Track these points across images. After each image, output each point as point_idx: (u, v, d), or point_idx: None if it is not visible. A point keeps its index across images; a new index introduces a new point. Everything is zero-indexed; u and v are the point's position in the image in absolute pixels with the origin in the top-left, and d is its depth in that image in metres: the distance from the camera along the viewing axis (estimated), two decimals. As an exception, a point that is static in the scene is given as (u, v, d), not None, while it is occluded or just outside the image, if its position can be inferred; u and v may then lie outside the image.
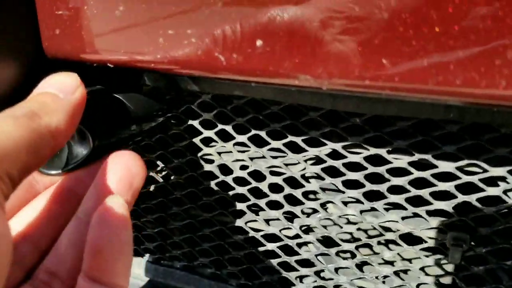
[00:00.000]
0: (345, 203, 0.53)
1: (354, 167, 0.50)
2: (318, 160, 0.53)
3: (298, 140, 0.51)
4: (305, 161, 0.53)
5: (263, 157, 0.55)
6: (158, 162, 0.62)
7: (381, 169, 0.49)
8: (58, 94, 0.35)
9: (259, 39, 0.36)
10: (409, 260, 0.54)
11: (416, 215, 0.50)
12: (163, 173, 0.64)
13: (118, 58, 0.44)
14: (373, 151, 0.48)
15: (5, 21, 0.45)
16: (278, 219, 0.57)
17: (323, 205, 0.54)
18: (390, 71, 0.33)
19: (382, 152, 0.48)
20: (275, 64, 0.36)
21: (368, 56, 0.33)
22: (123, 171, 0.40)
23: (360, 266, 0.56)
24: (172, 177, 0.63)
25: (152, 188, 0.64)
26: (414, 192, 0.48)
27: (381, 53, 0.33)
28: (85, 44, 0.44)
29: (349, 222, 0.55)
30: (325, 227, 0.55)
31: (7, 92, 0.46)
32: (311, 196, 0.57)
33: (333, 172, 0.51)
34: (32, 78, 0.48)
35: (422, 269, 0.53)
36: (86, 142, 0.47)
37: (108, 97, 0.49)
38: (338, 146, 0.50)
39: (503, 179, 0.46)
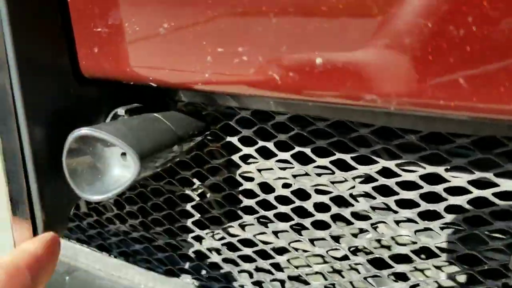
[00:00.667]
0: (398, 223, 0.50)
1: (408, 185, 0.47)
2: (368, 179, 0.50)
3: (347, 157, 0.48)
4: (354, 179, 0.50)
5: (307, 174, 0.53)
6: (194, 180, 0.60)
7: (438, 188, 0.46)
8: None
9: (319, 57, 0.34)
10: (467, 285, 0.51)
11: (474, 235, 0.47)
12: (199, 191, 0.61)
13: (161, 77, 0.42)
14: (429, 169, 0.45)
15: (40, 40, 0.43)
16: (324, 239, 0.54)
17: (373, 225, 0.51)
18: (468, 91, 0.30)
19: (440, 170, 0.45)
20: (336, 84, 0.34)
21: (443, 75, 0.30)
22: None
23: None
24: (208, 195, 0.61)
25: (188, 206, 0.62)
26: (473, 211, 0.45)
27: (458, 72, 0.30)
28: (125, 62, 0.42)
29: (401, 243, 0.52)
30: (376, 248, 0.53)
31: (43, 111, 0.44)
32: (360, 215, 0.54)
33: (385, 191, 0.48)
34: (68, 97, 0.46)
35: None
36: (129, 165, 0.45)
37: (151, 118, 0.47)
38: (391, 164, 0.47)
39: None
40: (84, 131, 0.43)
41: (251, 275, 0.62)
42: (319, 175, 0.52)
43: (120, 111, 0.49)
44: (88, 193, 0.44)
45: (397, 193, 0.48)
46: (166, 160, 0.47)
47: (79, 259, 0.73)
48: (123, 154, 0.46)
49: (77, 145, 0.44)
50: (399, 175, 0.47)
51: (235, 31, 0.36)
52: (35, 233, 0.45)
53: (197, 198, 0.61)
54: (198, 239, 0.64)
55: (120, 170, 0.46)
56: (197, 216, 0.61)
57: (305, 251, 0.56)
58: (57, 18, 0.43)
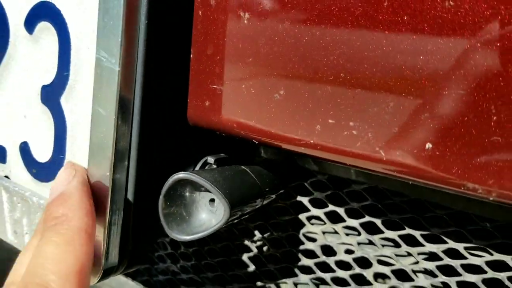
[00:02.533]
0: (456, 304, 0.52)
1: (472, 269, 0.49)
2: (432, 256, 0.52)
3: (417, 234, 0.51)
4: (418, 254, 0.53)
5: (372, 243, 0.55)
6: (256, 232, 0.63)
7: (502, 276, 0.48)
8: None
9: (429, 142, 0.37)
10: None
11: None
12: (259, 243, 0.64)
13: (265, 137, 0.45)
14: (497, 256, 0.48)
15: (164, 87, 0.47)
16: (379, 310, 0.56)
17: (431, 303, 0.53)
18: None
19: (507, 259, 0.48)
20: (442, 169, 0.37)
21: (547, 176, 0.34)
22: None
23: None
24: (265, 248, 0.63)
25: (244, 257, 0.64)
26: (535, 303, 0.47)
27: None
28: (235, 119, 0.46)
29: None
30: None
31: (150, 154, 0.48)
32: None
33: (448, 271, 0.51)
34: (172, 143, 0.50)
35: None
36: (215, 211, 0.49)
37: (240, 170, 0.51)
38: (460, 247, 0.49)
39: None
40: (184, 175, 0.46)
41: (295, 334, 0.63)
42: (383, 246, 0.55)
43: (210, 159, 0.53)
44: (176, 232, 0.47)
45: (460, 274, 0.50)
46: (248, 211, 0.51)
47: (122, 292, 0.75)
48: (211, 200, 0.49)
49: (173, 187, 0.47)
50: (465, 258, 0.49)
51: (350, 107, 0.40)
52: (120, 260, 0.47)
53: (255, 250, 0.63)
54: (249, 290, 0.66)
55: (207, 215, 0.49)
56: (252, 267, 0.64)
57: (357, 318, 0.58)
58: (178, 74, 0.48)
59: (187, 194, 0.49)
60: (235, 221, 0.51)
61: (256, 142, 0.47)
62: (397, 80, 0.38)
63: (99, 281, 0.47)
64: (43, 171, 0.50)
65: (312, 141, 0.43)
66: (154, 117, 0.47)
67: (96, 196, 0.45)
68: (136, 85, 0.44)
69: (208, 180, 0.46)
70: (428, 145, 0.38)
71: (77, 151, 0.47)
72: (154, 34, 0.44)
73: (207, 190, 0.47)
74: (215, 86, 0.47)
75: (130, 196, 0.46)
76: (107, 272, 0.47)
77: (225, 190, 0.47)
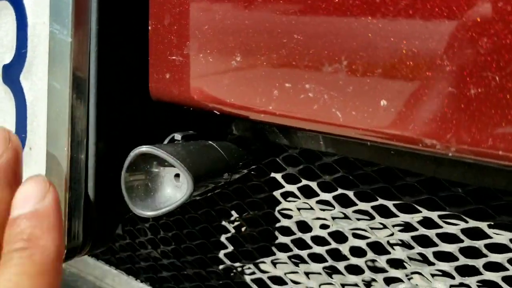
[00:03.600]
0: (434, 276, 0.50)
1: (448, 238, 0.48)
2: (407, 227, 0.51)
3: (389, 204, 0.50)
4: (393, 226, 0.51)
5: (347, 217, 0.54)
6: (232, 212, 0.62)
7: (479, 244, 0.46)
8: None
9: (383, 99, 0.36)
10: None
11: (512, 296, 0.47)
12: (236, 223, 0.63)
13: (226, 106, 0.44)
14: (472, 223, 0.46)
15: (121, 61, 0.46)
16: (357, 286, 0.54)
17: (408, 276, 0.52)
18: (526, 144, 0.32)
19: (483, 226, 0.46)
20: (398, 127, 0.36)
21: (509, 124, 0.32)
22: None
23: None
24: (243, 229, 0.62)
25: (222, 238, 0.63)
26: (512, 271, 0.46)
27: (519, 125, 0.32)
28: (195, 90, 0.45)
29: (435, 296, 0.52)
30: (408, 298, 0.53)
31: (112, 127, 0.47)
32: (395, 264, 0.54)
33: (424, 241, 0.49)
34: (135, 118, 0.49)
35: None
36: (181, 186, 0.48)
37: (206, 145, 0.50)
38: (434, 215, 0.48)
39: None
40: (146, 149, 0.45)
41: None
42: (358, 219, 0.53)
43: (177, 136, 0.52)
44: (140, 208, 0.46)
45: (437, 245, 0.48)
46: (215, 186, 0.50)
47: (106, 280, 0.74)
48: (177, 175, 0.48)
49: (136, 162, 0.46)
50: (440, 227, 0.48)
51: (305, 68, 0.39)
52: (84, 240, 0.47)
53: (233, 231, 0.62)
54: (228, 272, 0.65)
55: (172, 190, 0.48)
56: (230, 248, 0.62)
57: (335, 295, 0.56)
58: (137, 46, 0.47)
59: (152, 169, 0.48)
60: (203, 195, 0.50)
61: (218, 113, 0.46)
62: (348, 36, 0.37)
63: (63, 261, 0.46)
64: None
65: (271, 108, 0.42)
66: (113, 91, 0.46)
67: (55, 173, 0.45)
68: (91, 57, 0.43)
69: (170, 153, 0.45)
70: (383, 102, 0.36)
71: (37, 129, 0.47)
72: (108, 3, 0.43)
73: (171, 165, 0.46)
74: (174, 57, 0.46)
75: (91, 173, 0.46)
76: (71, 253, 0.46)
77: (188, 163, 0.46)
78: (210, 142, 0.51)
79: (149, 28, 0.47)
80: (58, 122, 0.44)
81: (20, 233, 0.35)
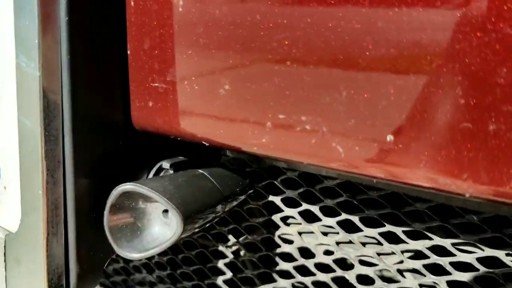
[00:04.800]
0: (448, 305, 0.47)
1: (463, 266, 0.44)
2: (418, 254, 0.47)
3: (398, 230, 0.46)
4: (402, 253, 0.47)
5: (352, 243, 0.50)
6: (230, 236, 0.58)
7: (497, 272, 0.43)
8: None
9: (390, 134, 0.32)
10: None
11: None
12: (234, 248, 0.59)
13: (215, 138, 0.40)
14: (488, 252, 0.43)
15: (96, 92, 0.42)
16: (365, 315, 0.51)
17: (420, 305, 0.48)
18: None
19: (500, 254, 0.42)
20: (406, 164, 0.32)
21: (530, 167, 0.28)
22: None
23: None
24: (242, 253, 0.59)
25: (219, 264, 0.59)
26: (533, 301, 0.42)
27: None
28: (180, 120, 0.41)
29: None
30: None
31: (91, 163, 0.43)
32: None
33: (435, 269, 0.46)
34: (116, 150, 0.45)
35: None
36: (170, 223, 0.44)
37: (197, 175, 0.46)
38: (447, 243, 0.44)
39: None
40: (128, 186, 0.41)
41: None
42: (364, 245, 0.50)
43: (165, 164, 0.48)
44: (126, 250, 0.43)
45: (450, 273, 0.45)
46: (208, 220, 0.46)
47: (101, 306, 0.71)
48: (165, 211, 0.44)
49: (120, 200, 0.42)
50: (454, 255, 0.44)
51: (301, 99, 0.35)
52: (67, 285, 0.43)
53: (231, 256, 0.59)
54: (228, 298, 0.61)
55: (160, 228, 0.44)
56: (229, 275, 0.59)
57: (342, 324, 0.53)
58: (116, 72, 0.42)
59: (137, 206, 0.44)
60: (196, 230, 0.46)
61: (207, 145, 0.42)
62: (349, 64, 0.32)
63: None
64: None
65: (264, 140, 0.38)
66: (90, 123, 0.42)
67: (31, 216, 0.41)
68: (64, 90, 0.39)
69: (156, 190, 0.41)
70: (390, 137, 0.32)
71: (11, 168, 0.43)
72: (79, 31, 0.39)
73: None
74: (156, 84, 0.42)
75: (70, 215, 0.42)
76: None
77: (177, 200, 0.42)
78: (200, 171, 0.47)
79: (128, 52, 0.42)
80: (31, 161, 0.40)
81: None
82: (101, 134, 0.43)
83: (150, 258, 0.66)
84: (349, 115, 0.33)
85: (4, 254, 0.44)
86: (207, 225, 0.47)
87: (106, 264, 0.47)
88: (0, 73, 0.41)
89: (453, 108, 0.30)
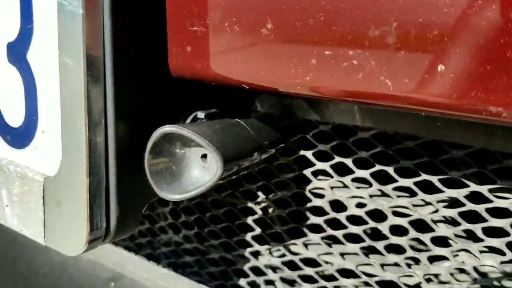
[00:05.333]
0: (482, 252, 0.47)
1: (499, 213, 0.44)
2: (453, 203, 0.47)
3: (434, 179, 0.46)
4: (437, 202, 0.48)
5: (386, 195, 0.50)
6: (259, 193, 0.58)
7: (534, 218, 0.43)
8: None
9: (441, 63, 0.32)
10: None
11: None
12: (263, 205, 0.59)
13: (256, 80, 0.40)
14: (526, 197, 0.43)
15: (137, 37, 0.42)
16: (398, 265, 0.51)
17: (454, 253, 0.48)
18: None
19: (539, 199, 0.42)
20: (458, 94, 0.32)
21: None
22: None
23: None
24: (271, 210, 0.59)
25: (249, 220, 0.60)
26: None
27: None
28: (220, 64, 0.41)
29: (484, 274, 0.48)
30: (455, 278, 0.49)
31: (131, 107, 0.43)
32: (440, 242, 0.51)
33: (471, 217, 0.46)
34: (155, 96, 0.45)
35: None
36: (208, 167, 0.44)
37: (233, 123, 0.46)
38: (483, 189, 0.44)
39: None
40: (169, 128, 0.42)
41: (309, 298, 0.59)
42: (398, 196, 0.50)
43: (200, 114, 0.48)
44: (166, 192, 0.43)
45: (486, 220, 0.45)
46: (245, 166, 0.46)
47: (126, 266, 0.71)
48: (203, 156, 0.45)
49: (160, 143, 0.43)
50: (490, 201, 0.44)
51: (347, 33, 0.35)
52: (107, 228, 0.43)
53: (260, 212, 0.59)
54: (256, 255, 0.62)
55: (199, 172, 0.45)
56: (258, 230, 0.59)
57: (373, 275, 0.53)
58: (156, 17, 0.42)
59: (176, 150, 0.44)
60: (232, 177, 0.46)
61: (247, 88, 0.42)
62: (401, -7, 0.32)
63: (85, 250, 0.43)
64: (18, 137, 0.46)
65: (308, 78, 0.38)
66: (130, 67, 0.42)
67: (72, 158, 0.41)
68: (105, 29, 0.39)
69: (197, 133, 0.41)
70: (441, 67, 0.32)
71: (50, 110, 0.43)
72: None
73: (198, 145, 0.43)
74: (195, 28, 0.41)
75: (111, 157, 0.42)
76: (93, 242, 0.43)
77: (216, 143, 0.42)
78: (236, 120, 0.47)
79: (166, -4, 0.42)
80: (73, 102, 0.40)
81: None
82: (140, 79, 0.43)
83: (176, 218, 0.66)
84: (398, 47, 0.33)
85: (43, 197, 0.44)
86: (245, 172, 0.47)
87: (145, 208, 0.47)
88: (42, 11, 0.41)
89: (504, 33, 0.30)
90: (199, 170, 0.44)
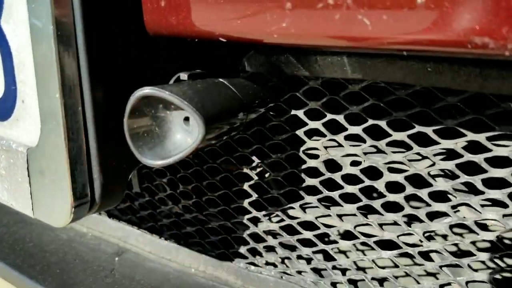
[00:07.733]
0: (483, 206, 0.45)
1: (498, 162, 0.42)
2: (451, 155, 0.45)
3: (429, 130, 0.44)
4: (434, 155, 0.45)
5: (381, 151, 0.48)
6: (253, 158, 0.57)
7: (536, 165, 0.40)
8: None
9: (420, -4, 0.30)
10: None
11: None
12: (258, 169, 0.58)
13: (233, 31, 0.38)
14: (527, 143, 0.40)
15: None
16: (396, 224, 0.49)
17: (454, 208, 0.46)
18: None
19: (540, 144, 0.40)
20: (441, 26, 0.30)
21: None
22: None
23: (497, 280, 0.47)
24: (267, 174, 0.58)
25: (245, 186, 0.58)
26: None
27: None
28: (194, 17, 0.39)
29: (485, 228, 0.46)
30: (455, 233, 0.47)
31: (106, 69, 0.42)
32: (439, 197, 0.49)
33: (470, 169, 0.44)
34: (132, 57, 0.43)
35: None
36: (191, 130, 0.42)
37: (216, 82, 0.44)
38: (481, 137, 0.42)
39: None
40: (147, 90, 0.40)
41: (309, 261, 0.58)
42: (393, 152, 0.48)
43: (183, 75, 0.46)
44: (149, 157, 0.42)
45: (486, 171, 0.43)
46: (230, 128, 0.44)
47: (129, 240, 0.71)
48: (186, 118, 0.43)
49: (139, 106, 0.41)
50: (489, 150, 0.42)
51: (321, -28, 0.32)
52: (92, 197, 0.42)
53: (256, 177, 0.58)
54: (254, 221, 0.60)
55: (182, 136, 0.43)
56: (255, 196, 0.58)
57: (371, 235, 0.52)
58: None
59: (158, 114, 0.43)
60: (218, 139, 0.45)
61: (224, 41, 0.40)
62: None
63: (72, 220, 0.42)
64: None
65: (285, 24, 0.36)
66: (103, 26, 0.40)
67: (50, 124, 0.40)
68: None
69: (175, 93, 0.40)
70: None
71: (27, 79, 0.42)
72: None
73: (179, 108, 0.41)
74: (168, -18, 0.40)
75: (90, 122, 0.41)
76: (79, 211, 0.42)
77: (196, 103, 0.40)
78: (220, 79, 0.46)
79: (137, -50, 0.40)
80: (45, 65, 0.39)
81: None
82: (116, 40, 0.41)
83: (174, 189, 0.65)
84: (374, -19, 0.31)
85: (27, 168, 0.43)
86: (232, 133, 0.45)
87: (129, 177, 0.46)
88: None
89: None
90: (181, 133, 0.43)
